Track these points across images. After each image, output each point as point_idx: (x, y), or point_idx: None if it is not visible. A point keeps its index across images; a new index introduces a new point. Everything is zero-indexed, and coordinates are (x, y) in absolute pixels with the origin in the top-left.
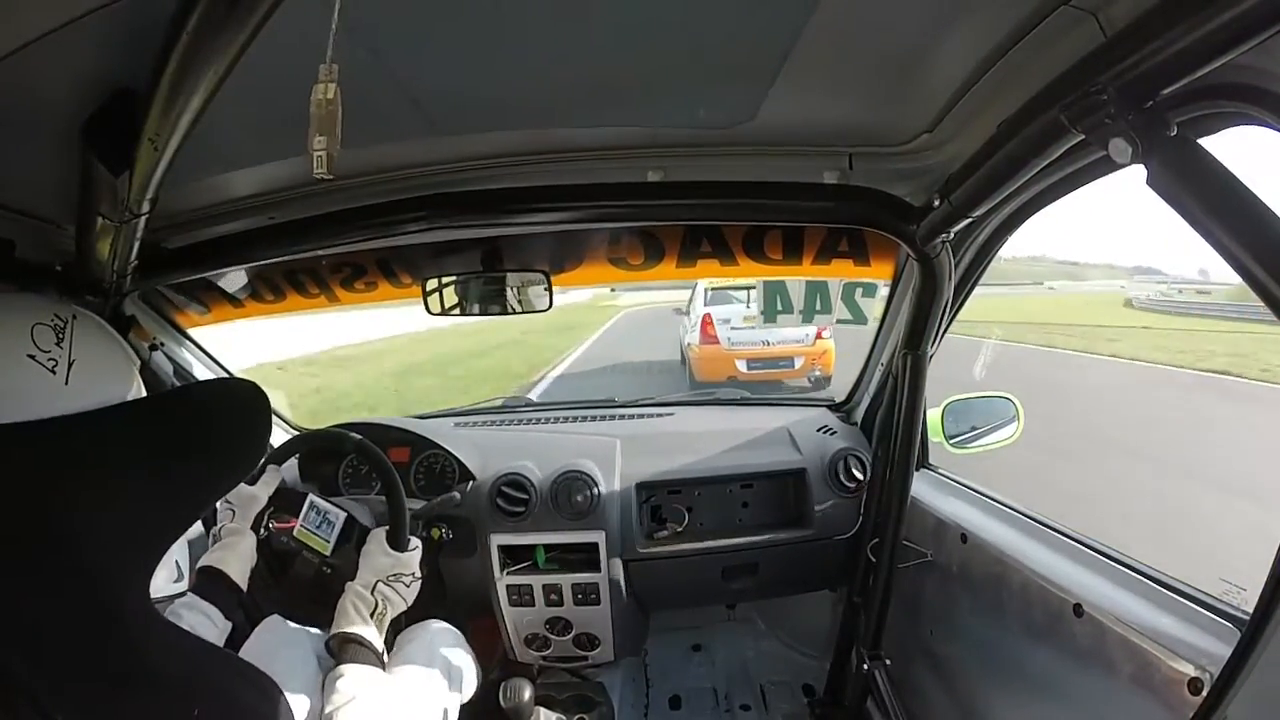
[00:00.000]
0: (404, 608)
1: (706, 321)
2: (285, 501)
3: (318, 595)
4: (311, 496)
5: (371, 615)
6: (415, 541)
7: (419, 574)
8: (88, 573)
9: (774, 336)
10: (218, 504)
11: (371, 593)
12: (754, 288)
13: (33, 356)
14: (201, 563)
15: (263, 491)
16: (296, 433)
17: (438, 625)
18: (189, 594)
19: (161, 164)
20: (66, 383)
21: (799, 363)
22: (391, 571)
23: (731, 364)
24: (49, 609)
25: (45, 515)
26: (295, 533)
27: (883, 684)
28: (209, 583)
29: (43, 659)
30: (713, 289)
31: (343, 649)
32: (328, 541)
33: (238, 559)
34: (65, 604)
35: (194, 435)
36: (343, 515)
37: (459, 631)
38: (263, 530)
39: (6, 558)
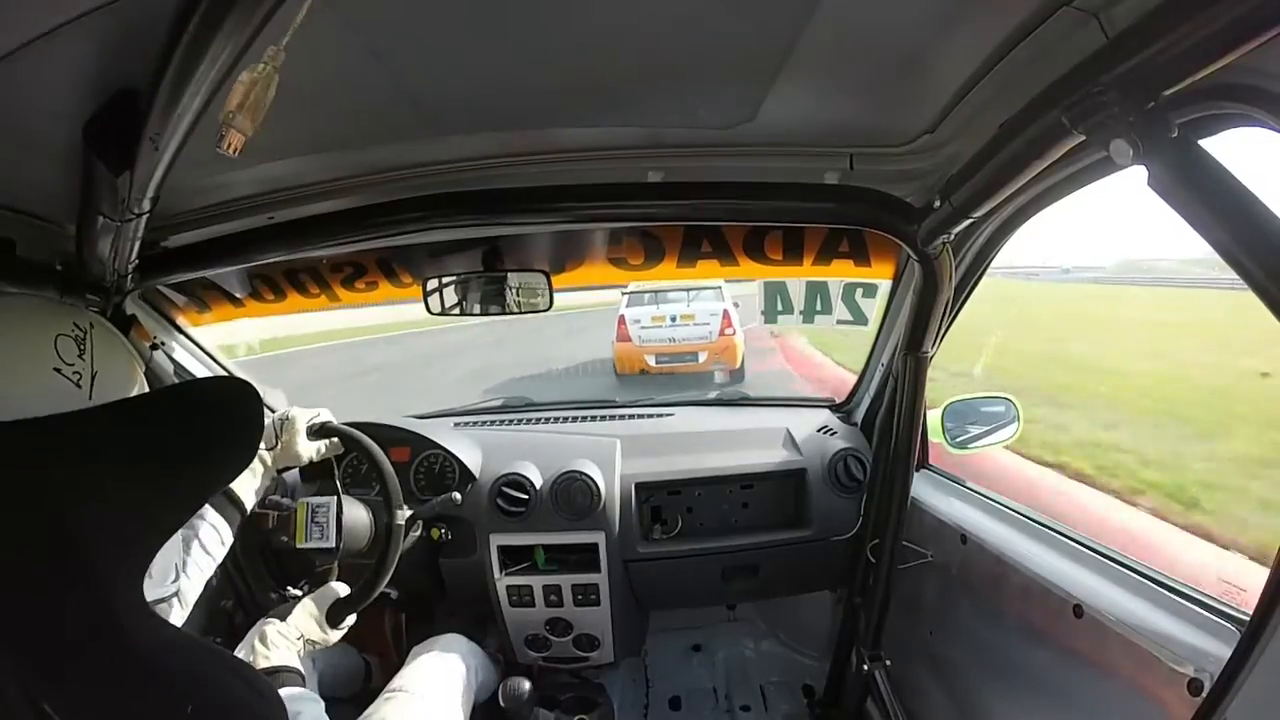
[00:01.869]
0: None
1: (620, 321)
2: (319, 476)
3: (270, 562)
4: (336, 499)
5: (293, 650)
6: (350, 620)
7: (330, 646)
8: (83, 570)
9: (679, 334)
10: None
11: (296, 639)
12: (695, 287)
13: (58, 370)
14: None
15: (307, 453)
16: None
17: (451, 638)
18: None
19: (161, 164)
20: (90, 397)
21: (702, 357)
22: (314, 638)
23: (642, 358)
24: (45, 606)
25: (42, 511)
26: (298, 504)
27: (883, 684)
28: (219, 496)
29: (38, 655)
30: (627, 293)
31: (272, 679)
32: (306, 541)
33: (251, 484)
34: (61, 601)
35: (186, 433)
36: (332, 544)
37: (472, 642)
38: (273, 481)
39: (3, 554)
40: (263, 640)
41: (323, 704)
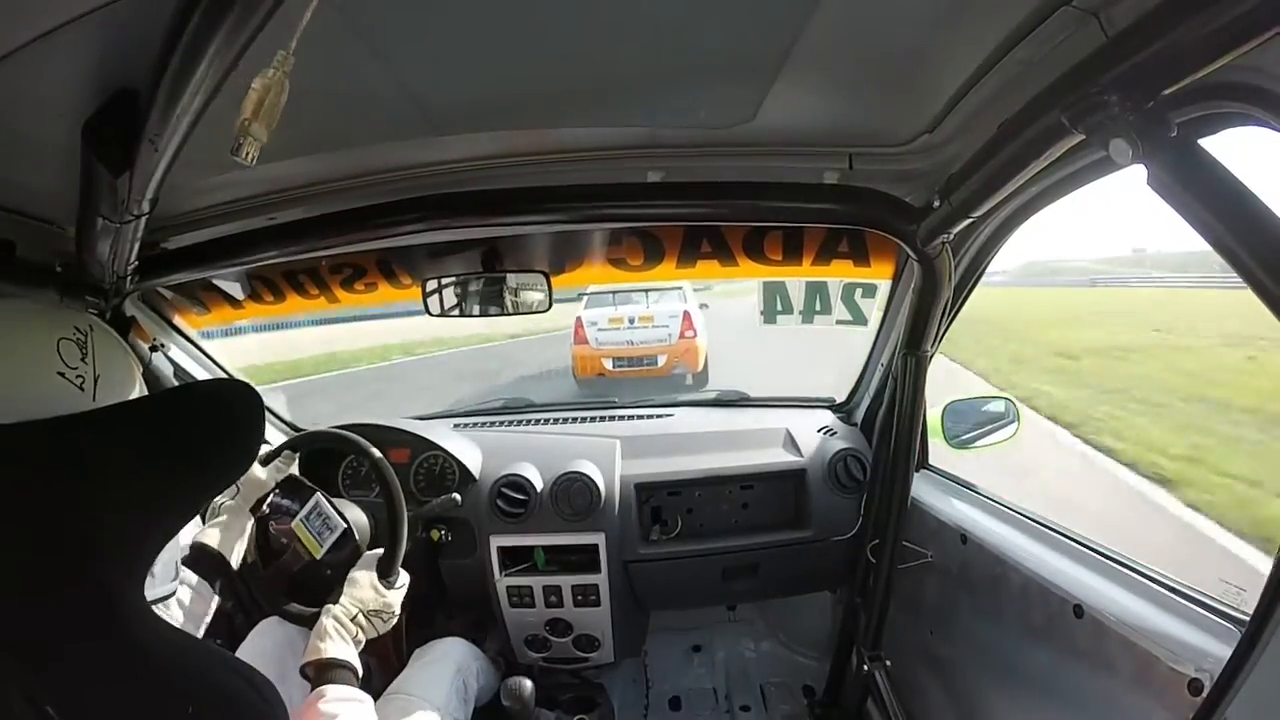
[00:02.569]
0: (376, 635)
1: (578, 324)
2: (294, 491)
3: (296, 590)
4: (319, 496)
5: (352, 638)
6: (404, 577)
7: (398, 613)
8: (87, 571)
9: (637, 337)
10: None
11: (352, 621)
12: (655, 288)
13: (62, 374)
14: (195, 537)
15: (271, 476)
16: (296, 433)
17: (452, 641)
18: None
19: (161, 164)
20: (94, 399)
21: (662, 360)
22: (374, 607)
23: (599, 362)
24: (47, 606)
25: (46, 512)
26: (293, 525)
27: (883, 684)
28: (200, 557)
29: (39, 656)
30: (586, 294)
31: (323, 673)
32: (321, 546)
33: (231, 537)
34: (64, 602)
35: (187, 435)
36: (342, 527)
37: (474, 645)
38: (265, 508)
39: (5, 554)
40: (319, 634)
41: (369, 703)
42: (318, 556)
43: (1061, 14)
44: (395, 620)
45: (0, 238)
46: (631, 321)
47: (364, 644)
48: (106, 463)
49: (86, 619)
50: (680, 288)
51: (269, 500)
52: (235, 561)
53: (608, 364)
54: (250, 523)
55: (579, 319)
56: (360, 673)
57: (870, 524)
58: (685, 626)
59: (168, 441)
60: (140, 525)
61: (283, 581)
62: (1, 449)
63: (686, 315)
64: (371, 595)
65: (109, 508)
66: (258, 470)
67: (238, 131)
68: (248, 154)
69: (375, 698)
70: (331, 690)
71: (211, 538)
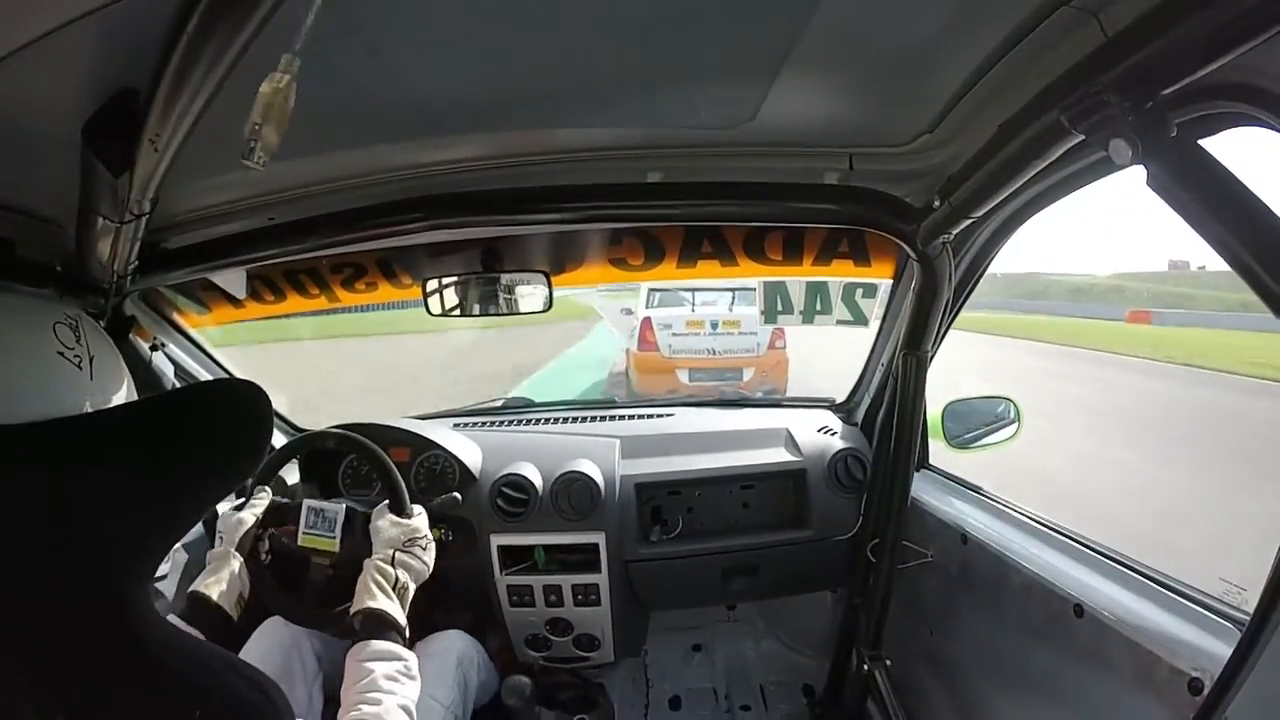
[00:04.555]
0: (426, 573)
1: (646, 326)
2: (281, 516)
3: (335, 596)
4: (306, 501)
5: (394, 588)
6: (419, 507)
7: (431, 536)
8: (92, 574)
9: (720, 345)
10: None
11: (391, 564)
12: (701, 289)
13: (61, 353)
14: (192, 588)
15: (249, 515)
16: (297, 434)
17: (454, 634)
18: (171, 616)
19: (161, 164)
20: (91, 378)
21: (748, 375)
22: (405, 539)
23: (673, 375)
24: (53, 609)
25: (51, 513)
26: (300, 540)
27: (883, 684)
28: (196, 608)
29: (45, 659)
30: (657, 289)
31: (366, 624)
32: (334, 538)
33: (223, 585)
34: (69, 605)
35: (197, 436)
36: (341, 508)
37: (477, 641)
38: (264, 555)
39: (13, 557)
40: (363, 587)
41: (412, 659)
42: (335, 549)
43: (1061, 14)
44: (434, 547)
45: (0, 237)
46: (714, 326)
47: (411, 592)
48: (114, 464)
49: (95, 624)
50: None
51: (265, 544)
52: (231, 607)
53: (682, 377)
54: (239, 566)
55: (646, 319)
56: (405, 627)
57: (870, 524)
58: (685, 626)
59: (176, 444)
60: (146, 526)
61: (319, 597)
62: (6, 449)
63: None
64: (395, 531)
65: (117, 510)
66: (236, 514)
67: (248, 135)
68: (259, 158)
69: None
70: (373, 645)
71: (204, 586)
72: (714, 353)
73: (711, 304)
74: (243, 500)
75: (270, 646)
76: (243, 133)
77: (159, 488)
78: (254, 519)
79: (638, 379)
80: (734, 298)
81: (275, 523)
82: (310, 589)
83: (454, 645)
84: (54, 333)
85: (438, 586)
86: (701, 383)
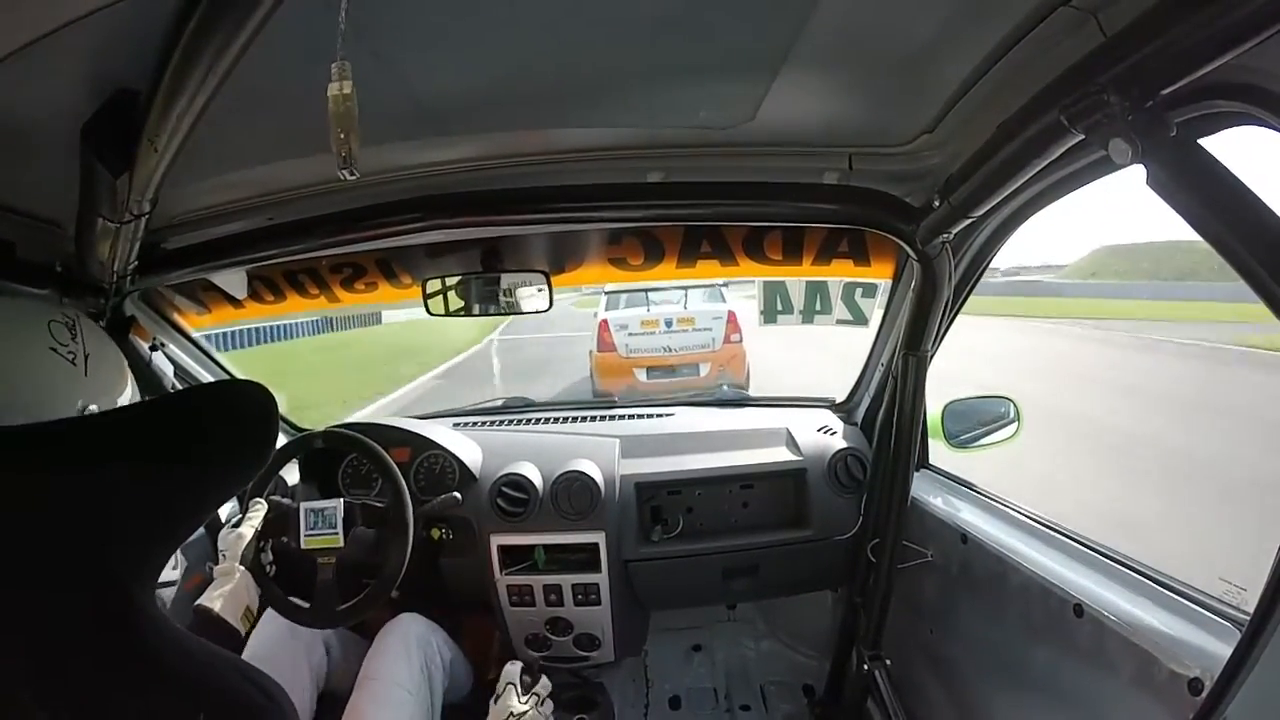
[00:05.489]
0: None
1: (603, 327)
2: (280, 525)
3: (349, 592)
4: (303, 504)
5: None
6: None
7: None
8: (98, 575)
9: (675, 343)
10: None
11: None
12: (690, 286)
13: (54, 350)
14: (198, 603)
15: (247, 529)
16: (298, 434)
17: (408, 617)
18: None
19: (161, 164)
20: (86, 374)
21: (704, 369)
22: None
23: (630, 373)
24: (58, 611)
25: (56, 514)
26: (304, 544)
27: (883, 684)
28: (203, 623)
29: (51, 660)
30: (609, 292)
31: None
32: (337, 533)
33: (228, 599)
34: (74, 606)
35: (203, 436)
36: (339, 503)
37: (438, 625)
38: (268, 566)
39: (19, 560)
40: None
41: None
42: (341, 544)
43: (1060, 14)
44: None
45: (0, 238)
46: (669, 324)
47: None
48: (120, 466)
49: (98, 623)
50: (717, 284)
51: (268, 555)
52: (237, 620)
53: (640, 375)
54: (244, 579)
55: (603, 321)
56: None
57: (870, 523)
58: (685, 626)
59: (182, 444)
60: (151, 527)
61: (335, 597)
62: (9, 450)
63: (731, 316)
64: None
65: (122, 511)
66: (235, 530)
67: (337, 150)
68: (344, 166)
69: (351, 679)
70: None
71: (210, 600)
72: (670, 350)
73: (673, 303)
74: (239, 517)
75: (271, 644)
76: (333, 147)
77: (166, 488)
78: (253, 531)
79: (599, 380)
80: (686, 295)
81: (274, 533)
82: (321, 590)
83: (411, 629)
84: (49, 330)
85: (438, 587)
86: (658, 380)
